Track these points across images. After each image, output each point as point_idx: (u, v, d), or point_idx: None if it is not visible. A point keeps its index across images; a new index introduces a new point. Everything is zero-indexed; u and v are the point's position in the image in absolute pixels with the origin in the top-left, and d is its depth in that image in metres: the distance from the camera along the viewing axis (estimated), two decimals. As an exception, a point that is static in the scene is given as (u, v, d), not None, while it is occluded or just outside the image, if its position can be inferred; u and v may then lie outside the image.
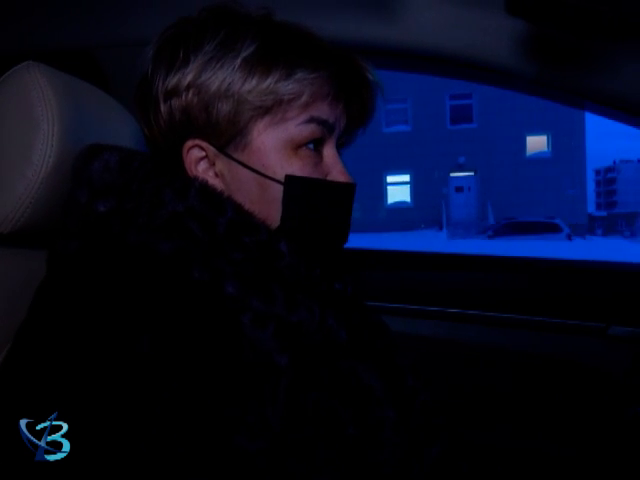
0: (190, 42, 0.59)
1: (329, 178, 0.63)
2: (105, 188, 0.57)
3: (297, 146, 0.60)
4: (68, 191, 0.60)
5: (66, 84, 0.65)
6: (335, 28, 0.95)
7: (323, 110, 0.61)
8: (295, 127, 0.60)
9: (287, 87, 0.58)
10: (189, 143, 0.60)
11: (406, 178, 18.86)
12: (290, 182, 0.60)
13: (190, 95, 0.59)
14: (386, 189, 18.95)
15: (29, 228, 0.64)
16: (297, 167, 0.60)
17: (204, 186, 0.58)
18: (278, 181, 0.59)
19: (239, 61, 0.58)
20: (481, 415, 1.18)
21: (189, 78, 0.58)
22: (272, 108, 0.59)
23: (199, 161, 0.61)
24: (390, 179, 18.91)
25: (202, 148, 0.60)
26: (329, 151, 0.64)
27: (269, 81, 0.58)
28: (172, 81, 0.59)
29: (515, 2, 0.86)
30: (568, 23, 0.84)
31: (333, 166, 0.63)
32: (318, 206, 0.62)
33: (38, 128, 0.60)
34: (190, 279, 0.53)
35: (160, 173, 0.58)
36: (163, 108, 0.60)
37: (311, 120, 0.60)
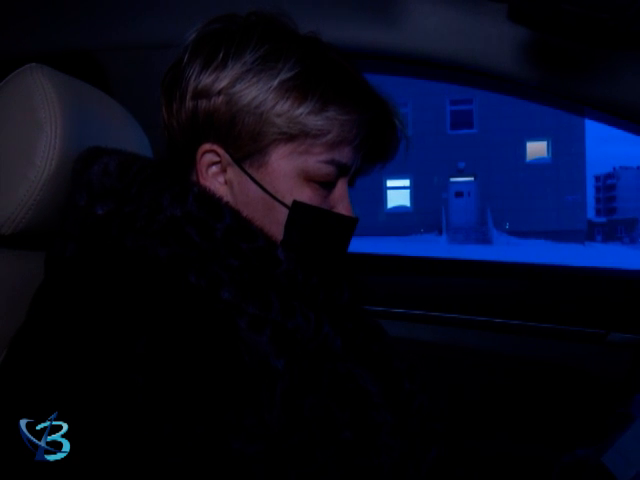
0: (232, 45, 0.58)
1: (334, 211, 0.63)
2: (104, 192, 0.57)
3: (310, 179, 0.60)
4: (67, 193, 0.60)
5: (69, 86, 0.66)
6: (337, 32, 0.96)
7: (345, 154, 0.61)
8: (315, 163, 0.59)
9: (317, 122, 0.58)
10: (206, 146, 0.60)
11: (406, 182, 18.86)
12: (296, 208, 0.60)
13: (219, 101, 0.58)
14: (386, 193, 18.94)
15: (31, 230, 0.64)
16: (307, 196, 0.60)
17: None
18: (286, 205, 0.59)
19: (276, 82, 0.57)
20: (480, 420, 1.18)
21: (223, 84, 0.58)
22: (297, 137, 0.58)
23: (211, 165, 0.61)
24: (390, 183, 18.91)
25: (217, 154, 0.60)
26: (339, 186, 0.63)
27: (301, 110, 0.57)
28: (205, 81, 0.58)
29: (517, 9, 0.86)
30: (570, 31, 0.84)
31: (340, 201, 0.63)
32: (319, 235, 0.62)
33: (41, 130, 0.60)
34: (186, 284, 0.53)
35: (159, 178, 0.58)
36: (189, 104, 0.59)
37: (332, 162, 0.60)
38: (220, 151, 0.60)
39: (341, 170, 0.62)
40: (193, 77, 0.59)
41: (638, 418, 0.68)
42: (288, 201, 0.59)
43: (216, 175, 0.61)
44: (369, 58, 1.00)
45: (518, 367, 1.19)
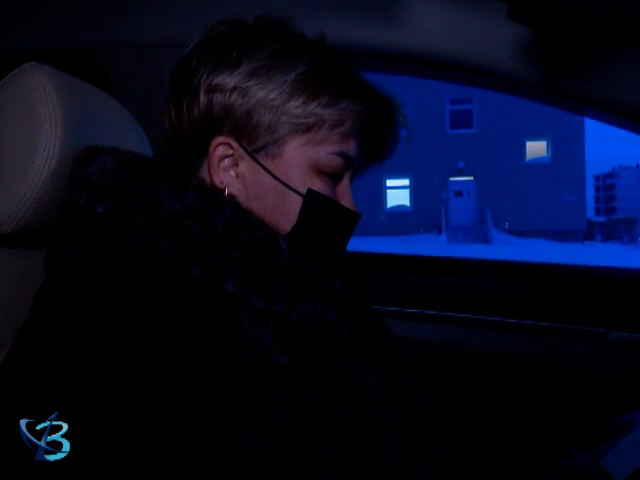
0: (246, 44, 0.60)
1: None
2: (103, 189, 0.57)
3: (320, 170, 0.62)
4: (67, 193, 0.60)
5: (69, 85, 0.66)
6: (336, 31, 0.95)
7: (352, 147, 0.63)
8: (326, 154, 0.62)
9: (332, 113, 0.60)
10: (219, 139, 0.61)
11: (405, 182, 18.85)
12: (311, 197, 0.61)
13: (235, 95, 0.60)
14: (385, 193, 18.93)
15: (31, 228, 0.64)
16: (318, 187, 0.62)
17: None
18: (300, 194, 0.61)
19: (291, 77, 0.59)
20: (480, 419, 1.18)
21: (237, 79, 0.59)
22: (313, 128, 0.60)
23: (223, 158, 0.62)
24: (389, 183, 18.90)
25: (231, 146, 0.61)
26: (344, 181, 0.66)
27: (315, 104, 0.60)
28: (219, 77, 0.60)
29: (517, 8, 0.86)
30: (570, 30, 0.84)
31: (343, 195, 0.66)
32: (327, 226, 0.64)
33: (41, 129, 0.60)
34: (190, 278, 0.53)
35: (158, 172, 0.58)
36: (202, 99, 0.61)
37: (341, 154, 0.62)
38: (234, 144, 0.61)
39: (348, 163, 0.64)
40: (205, 74, 0.60)
41: (639, 423, 0.68)
42: (301, 190, 0.61)
43: (227, 168, 0.62)
44: (369, 57, 1.00)
45: (516, 365, 1.19)
